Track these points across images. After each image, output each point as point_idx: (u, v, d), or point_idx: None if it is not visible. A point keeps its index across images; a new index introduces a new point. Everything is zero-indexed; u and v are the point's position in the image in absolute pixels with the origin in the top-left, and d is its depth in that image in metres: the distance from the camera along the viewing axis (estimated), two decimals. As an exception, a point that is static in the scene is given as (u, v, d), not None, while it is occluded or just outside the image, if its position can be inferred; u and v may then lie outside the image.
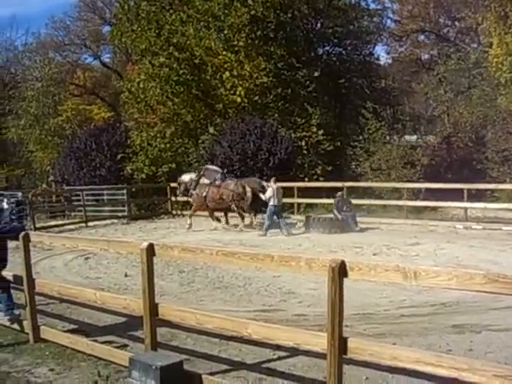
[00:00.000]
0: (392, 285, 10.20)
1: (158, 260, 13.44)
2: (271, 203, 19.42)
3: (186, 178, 22.21)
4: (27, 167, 42.34)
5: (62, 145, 33.80)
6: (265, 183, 20.64)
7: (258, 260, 5.60)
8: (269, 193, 19.50)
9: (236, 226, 21.00)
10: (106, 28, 47.01)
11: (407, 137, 31.32)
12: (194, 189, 21.32)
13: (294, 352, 7.23)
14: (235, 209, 20.81)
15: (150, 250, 6.35)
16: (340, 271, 4.97)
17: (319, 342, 5.23)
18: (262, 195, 19.87)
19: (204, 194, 20.86)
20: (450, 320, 8.68)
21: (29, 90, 37.61)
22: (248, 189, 20.39)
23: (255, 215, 21.18)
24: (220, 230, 20.66)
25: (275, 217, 19.52)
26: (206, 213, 21.70)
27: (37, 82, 37.41)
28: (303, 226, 20.45)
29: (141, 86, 30.60)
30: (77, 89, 48.59)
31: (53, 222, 23.81)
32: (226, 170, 22.34)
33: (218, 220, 21.43)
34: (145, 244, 6.41)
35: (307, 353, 7.02)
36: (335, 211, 20.30)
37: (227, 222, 21.43)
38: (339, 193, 21.18)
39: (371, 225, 20.87)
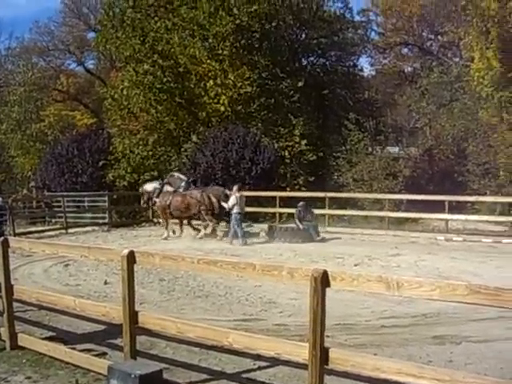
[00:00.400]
0: (373, 295, 10.22)
1: (139, 268, 13.33)
2: (235, 211, 19.54)
3: (148, 187, 22.10)
4: (8, 172, 41.95)
5: (43, 150, 33.55)
6: (228, 192, 20.73)
7: (240, 269, 5.56)
8: (232, 201, 19.63)
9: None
10: (91, 34, 46.86)
11: (389, 148, 31.45)
12: (157, 197, 21.17)
13: (274, 362, 7.17)
14: (204, 217, 20.76)
15: (131, 258, 6.29)
16: (322, 281, 4.95)
17: (301, 352, 5.20)
18: (224, 204, 19.97)
19: (168, 202, 20.72)
20: (431, 331, 8.68)
21: (11, 95, 37.36)
22: (214, 199, 20.50)
23: (218, 224, 21.26)
24: (193, 239, 20.66)
25: (235, 222, 19.66)
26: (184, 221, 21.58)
27: (19, 87, 37.13)
28: (266, 236, 20.66)
29: (124, 92, 30.50)
30: (60, 94, 48.29)
31: (33, 228, 23.62)
32: (191, 179, 22.41)
33: (197, 229, 21.29)
34: (125, 251, 6.35)
35: (288, 363, 6.96)
36: (297, 221, 20.44)
37: (181, 231, 21.44)
38: (301, 203, 21.19)
39: (352, 236, 20.95)
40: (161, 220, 22.35)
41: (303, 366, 6.74)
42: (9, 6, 66.64)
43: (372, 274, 5.07)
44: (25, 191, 32.04)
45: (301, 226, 20.22)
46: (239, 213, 19.58)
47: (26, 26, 67.98)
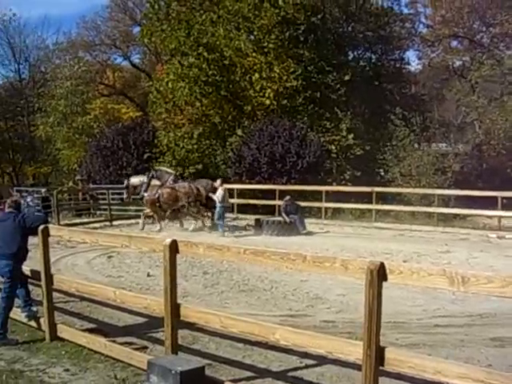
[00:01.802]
0: (424, 292, 9.80)
1: (182, 260, 13.21)
2: (220, 204, 19.87)
3: (135, 180, 21.61)
4: (54, 165, 42.55)
5: (89, 143, 33.70)
6: (216, 184, 20.86)
7: (289, 260, 5.20)
8: (220, 193, 19.95)
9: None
10: (136, 29, 46.94)
11: (436, 144, 30.71)
12: (146, 190, 20.79)
13: (322, 360, 6.85)
14: (193, 210, 20.70)
15: (174, 247, 5.98)
16: (379, 274, 4.57)
17: (354, 351, 4.83)
18: (214, 196, 20.12)
19: (157, 196, 20.43)
20: (488, 332, 8.19)
21: (58, 89, 37.62)
22: (202, 190, 20.48)
23: (208, 217, 21.26)
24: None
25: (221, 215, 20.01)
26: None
27: (66, 81, 37.37)
28: (253, 229, 20.75)
29: (169, 85, 30.38)
30: (106, 89, 48.64)
31: (78, 220, 23.65)
32: (178, 173, 22.49)
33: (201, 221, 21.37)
34: (168, 240, 6.05)
35: (336, 361, 6.63)
36: (283, 214, 20.58)
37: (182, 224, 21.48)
38: (287, 197, 21.32)
39: (401, 232, 20.39)
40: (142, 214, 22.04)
41: (353, 366, 6.40)
42: (59, 5, 67.65)
43: (434, 267, 4.64)
44: (70, 183, 32.19)
45: (287, 219, 20.31)
46: (223, 206, 20.02)
47: (73, 22, 68.46)
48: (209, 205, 20.68)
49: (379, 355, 4.64)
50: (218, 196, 19.89)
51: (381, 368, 4.74)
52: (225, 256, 5.76)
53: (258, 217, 22.07)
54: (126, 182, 21.79)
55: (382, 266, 4.59)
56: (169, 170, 22.06)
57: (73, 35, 51.32)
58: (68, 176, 38.27)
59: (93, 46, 50.44)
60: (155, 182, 20.78)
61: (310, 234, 20.15)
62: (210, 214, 21.29)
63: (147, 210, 21.08)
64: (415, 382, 5.65)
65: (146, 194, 20.70)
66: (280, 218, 20.70)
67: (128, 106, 46.14)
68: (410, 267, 4.60)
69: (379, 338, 4.68)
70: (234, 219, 23.77)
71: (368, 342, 4.62)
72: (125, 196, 22.32)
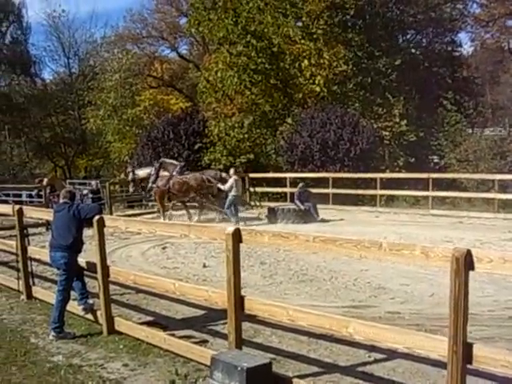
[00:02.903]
0: (493, 282, 9.31)
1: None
2: (232, 193, 19.40)
3: (141, 172, 21.19)
4: (106, 157, 42.85)
5: (139, 135, 33.75)
6: (224, 174, 20.54)
7: (364, 248, 4.81)
8: (230, 183, 19.49)
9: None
10: (183, 20, 46.92)
11: (489, 129, 29.79)
12: (154, 182, 20.35)
13: (391, 354, 6.48)
14: (202, 200, 20.39)
15: (237, 236, 5.66)
16: (466, 262, 4.14)
17: (437, 347, 4.40)
18: (221, 186, 19.70)
19: (167, 187, 20.03)
20: None
21: (107, 81, 37.78)
22: (213, 181, 20.03)
23: (220, 212, 20.48)
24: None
25: (232, 207, 19.54)
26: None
27: (115, 73, 37.48)
28: (267, 218, 20.28)
29: (218, 75, 30.13)
30: (154, 81, 48.69)
31: (130, 212, 23.66)
32: (183, 163, 21.72)
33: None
34: (230, 229, 5.71)
35: (407, 356, 6.23)
36: (297, 202, 20.27)
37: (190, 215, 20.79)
38: (301, 184, 21.23)
39: (459, 219, 19.72)
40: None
41: (426, 361, 5.99)
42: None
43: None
44: (122, 176, 32.28)
45: (302, 207, 20.01)
46: (235, 195, 19.51)
47: (120, 15, 69.12)
48: (218, 196, 20.31)
49: (466, 352, 4.21)
50: (226, 186, 19.50)
51: (468, 366, 4.31)
52: (292, 244, 5.39)
53: (271, 205, 21.81)
54: (131, 175, 21.29)
55: (468, 254, 4.18)
56: (173, 162, 21.58)
57: (120, 28, 51.65)
58: (119, 168, 38.48)
59: (140, 39, 50.63)
60: (164, 173, 20.40)
61: (358, 222, 19.61)
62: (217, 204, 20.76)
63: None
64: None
65: (154, 186, 20.33)
66: (294, 206, 20.40)
67: (177, 97, 46.11)
68: (501, 255, 4.16)
69: (466, 333, 4.25)
70: (252, 207, 23.67)
71: (454, 337, 4.21)
72: (131, 189, 21.96)
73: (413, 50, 33.39)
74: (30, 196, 24.89)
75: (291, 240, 5.31)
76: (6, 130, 46.88)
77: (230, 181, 19.59)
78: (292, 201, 21.26)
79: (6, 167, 46.72)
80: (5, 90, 46.39)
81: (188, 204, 20.99)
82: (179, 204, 21.23)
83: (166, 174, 20.35)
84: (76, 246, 7.80)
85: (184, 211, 20.94)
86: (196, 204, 20.96)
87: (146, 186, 20.92)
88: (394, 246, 4.66)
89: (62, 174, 46.84)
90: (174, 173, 20.26)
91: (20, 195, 25.42)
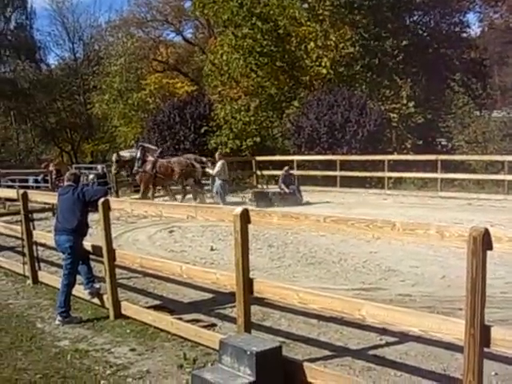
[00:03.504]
0: (505, 264, 9.15)
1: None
2: (221, 177, 19.58)
3: (126, 154, 20.63)
4: (112, 142, 42.75)
5: (145, 119, 33.64)
6: (204, 159, 20.62)
7: (376, 228, 4.64)
8: (218, 167, 19.55)
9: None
10: (188, 3, 46.59)
11: (497, 111, 29.41)
12: (140, 166, 19.67)
13: (403, 337, 6.35)
14: (186, 183, 20.21)
15: (245, 217, 5.49)
16: (484, 242, 3.97)
17: (453, 329, 4.25)
18: (210, 170, 19.83)
19: (154, 171, 19.52)
20: None
21: (112, 66, 37.63)
22: (197, 164, 19.84)
23: (203, 194, 20.41)
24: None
25: (221, 191, 19.66)
26: None
27: (120, 57, 37.31)
28: (252, 202, 19.77)
29: (224, 57, 29.93)
30: (159, 65, 48.43)
31: (136, 196, 23.50)
32: (160, 149, 21.39)
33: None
34: (238, 209, 5.55)
35: (419, 339, 6.11)
36: (282, 185, 20.39)
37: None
38: (286, 167, 21.42)
39: (468, 201, 19.55)
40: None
41: (439, 344, 5.86)
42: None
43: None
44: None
45: (287, 190, 20.13)
46: (224, 180, 19.68)
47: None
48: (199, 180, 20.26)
49: (484, 335, 4.06)
50: (215, 170, 19.48)
51: (486, 350, 4.17)
52: (302, 225, 5.21)
53: (256, 190, 21.92)
54: (115, 155, 20.52)
55: (486, 233, 4.00)
56: (152, 147, 21.27)
57: (125, 12, 51.36)
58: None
59: (145, 23, 50.27)
60: (149, 157, 19.86)
61: (366, 204, 19.44)
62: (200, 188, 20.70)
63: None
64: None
65: (140, 170, 19.72)
66: (278, 190, 20.45)
67: (182, 80, 45.91)
68: (523, 234, 3.99)
69: (484, 316, 4.10)
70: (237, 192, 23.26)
71: (471, 319, 4.06)
72: (113, 170, 20.97)
73: (420, 31, 32.97)
74: (36, 181, 24.79)
75: (301, 220, 5.16)
76: (12, 116, 46.85)
77: (218, 165, 19.54)
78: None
79: (12, 153, 46.76)
80: (10, 75, 46.24)
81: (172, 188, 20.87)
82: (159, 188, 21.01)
83: (150, 158, 19.85)
84: (81, 229, 7.67)
85: (166, 197, 20.81)
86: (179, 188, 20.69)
87: (131, 168, 20.19)
88: (407, 225, 4.50)
89: (68, 159, 46.81)
90: (155, 157, 19.81)
91: (26, 180, 25.31)
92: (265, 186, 24.54)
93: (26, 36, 47.53)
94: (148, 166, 19.67)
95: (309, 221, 5.09)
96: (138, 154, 19.80)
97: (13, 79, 45.43)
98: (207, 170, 19.92)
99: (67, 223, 7.58)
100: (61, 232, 7.64)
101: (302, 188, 21.20)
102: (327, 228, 5.04)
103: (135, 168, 19.83)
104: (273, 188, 21.75)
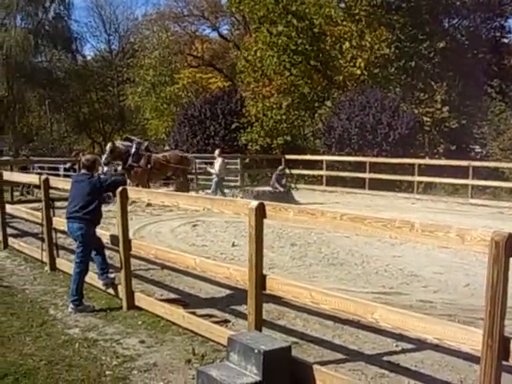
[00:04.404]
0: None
1: (269, 231, 12.69)
2: (221, 175, 19.50)
3: (121, 146, 18.93)
4: (143, 135, 42.82)
5: (177, 113, 33.68)
6: (190, 155, 20.74)
7: (394, 228, 4.44)
8: (219, 165, 19.31)
9: None
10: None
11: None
12: (137, 161, 18.58)
13: (420, 345, 6.13)
14: (180, 179, 19.74)
15: (260, 211, 5.33)
16: (506, 247, 3.75)
17: (469, 339, 4.03)
18: (212, 170, 19.68)
19: (149, 166, 18.67)
20: None
21: (146, 59, 37.74)
22: (192, 159, 19.83)
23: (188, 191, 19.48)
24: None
25: (218, 189, 19.44)
26: None
27: (154, 51, 37.42)
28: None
29: (258, 54, 29.80)
30: (194, 60, 48.53)
31: (165, 189, 23.51)
32: (147, 142, 20.53)
33: None
34: (254, 203, 5.39)
35: (437, 347, 5.89)
36: (277, 184, 20.22)
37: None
38: (280, 167, 21.60)
39: (500, 209, 19.06)
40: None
41: (457, 354, 5.62)
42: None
43: None
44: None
45: (281, 189, 20.02)
46: (222, 178, 19.59)
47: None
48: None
49: (503, 347, 3.84)
50: (216, 168, 19.26)
51: (504, 363, 3.94)
52: (318, 221, 5.02)
53: (247, 188, 21.86)
54: (110, 144, 18.73)
55: (510, 238, 3.78)
56: (139, 140, 20.33)
57: (161, 6, 51.63)
58: (156, 146, 38.48)
59: (181, 17, 50.36)
60: (143, 152, 18.98)
61: (394, 208, 19.12)
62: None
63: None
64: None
65: (135, 165, 18.63)
66: (270, 189, 20.30)
67: (216, 76, 45.93)
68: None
69: (504, 326, 3.88)
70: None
71: (490, 329, 3.83)
72: (104, 160, 18.01)
73: (459, 35, 32.45)
74: (66, 169, 24.91)
75: (317, 217, 4.97)
76: (47, 105, 47.24)
77: (219, 162, 19.31)
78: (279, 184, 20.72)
79: (45, 142, 47.17)
80: (46, 65, 46.67)
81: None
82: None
83: (145, 152, 19.06)
84: (94, 217, 7.58)
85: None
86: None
87: (123, 161, 18.72)
88: (427, 226, 4.29)
89: (99, 150, 47.09)
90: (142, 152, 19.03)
91: (56, 168, 25.46)
92: (292, 185, 24.29)
93: (63, 26, 47.85)
94: (142, 161, 18.85)
95: (325, 218, 4.90)
96: (133, 149, 18.75)
97: (49, 69, 45.89)
98: (208, 169, 19.82)
99: (80, 211, 7.48)
100: (73, 219, 7.56)
101: (330, 189, 20.96)
102: (343, 226, 4.86)
103: (129, 163, 18.64)
104: (263, 187, 21.58)
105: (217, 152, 19.96)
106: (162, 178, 20.41)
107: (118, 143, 19.17)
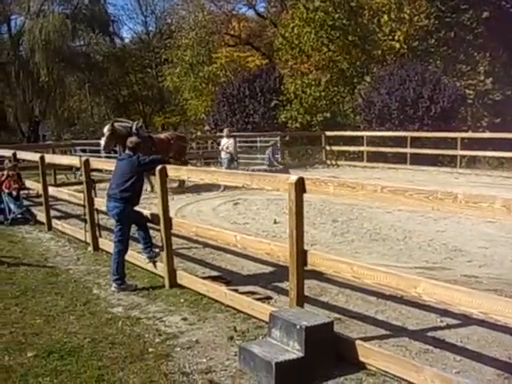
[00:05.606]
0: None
1: (311, 208, 12.64)
2: (233, 154, 18.55)
3: (122, 129, 16.84)
4: (182, 115, 43.01)
5: (215, 92, 33.65)
6: (224, 133, 19.32)
7: (436, 200, 4.33)
8: (232, 145, 18.44)
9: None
10: (261, -24, 46.19)
11: None
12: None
13: (466, 320, 6.03)
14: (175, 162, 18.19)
15: (300, 186, 5.28)
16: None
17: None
18: (225, 150, 18.32)
19: (153, 149, 16.08)
20: None
21: (183, 39, 37.68)
22: (184, 143, 18.66)
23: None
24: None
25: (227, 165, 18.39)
26: None
27: (191, 31, 37.34)
28: None
29: (295, 31, 29.49)
30: (231, 39, 48.28)
31: (205, 168, 23.60)
32: (136, 122, 18.44)
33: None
34: (293, 178, 5.34)
35: (483, 322, 5.77)
36: (272, 159, 20.32)
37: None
38: (271, 142, 21.57)
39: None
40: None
41: (505, 329, 5.49)
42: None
43: None
44: (199, 133, 32.31)
45: (280, 167, 19.90)
46: (232, 157, 18.48)
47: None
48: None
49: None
50: (231, 148, 18.26)
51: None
52: (358, 195, 4.94)
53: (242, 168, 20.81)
54: (108, 126, 16.64)
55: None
56: (125, 120, 19.36)
57: (198, -15, 51.14)
58: (196, 126, 38.59)
59: (217, -4, 50.07)
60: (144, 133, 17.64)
61: (436, 183, 18.81)
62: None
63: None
64: None
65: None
66: (266, 167, 20.04)
67: (254, 54, 45.68)
68: None
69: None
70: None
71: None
72: (102, 142, 16.54)
73: (503, 3, 31.53)
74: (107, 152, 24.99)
75: (358, 190, 4.89)
76: (86, 89, 47.62)
77: (231, 142, 18.43)
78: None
79: (85, 125, 47.63)
80: (84, 49, 46.95)
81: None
82: None
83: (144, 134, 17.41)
84: (131, 197, 7.59)
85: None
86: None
87: (123, 145, 15.25)
88: (470, 197, 4.16)
89: (140, 132, 47.38)
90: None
91: (98, 151, 25.63)
92: (333, 162, 24.06)
93: (99, 9, 47.86)
94: (145, 144, 17.31)
95: (365, 191, 4.82)
96: (133, 129, 17.06)
97: (87, 52, 46.11)
98: (221, 147, 18.65)
99: (118, 190, 7.54)
100: (111, 198, 7.62)
101: (371, 165, 20.61)
102: (384, 198, 4.77)
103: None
104: (259, 166, 21.07)
105: (226, 131, 19.04)
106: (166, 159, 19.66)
107: (117, 125, 17.32)
